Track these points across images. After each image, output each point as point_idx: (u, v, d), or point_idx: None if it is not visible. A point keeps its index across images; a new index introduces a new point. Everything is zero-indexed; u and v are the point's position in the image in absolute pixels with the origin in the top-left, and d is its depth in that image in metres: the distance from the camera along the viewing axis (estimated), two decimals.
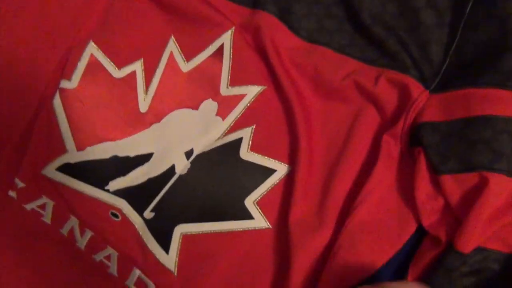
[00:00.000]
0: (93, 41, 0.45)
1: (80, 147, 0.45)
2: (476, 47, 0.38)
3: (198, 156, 0.45)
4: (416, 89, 0.39)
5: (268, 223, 0.43)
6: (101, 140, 0.45)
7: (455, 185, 0.36)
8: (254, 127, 0.44)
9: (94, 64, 0.45)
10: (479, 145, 0.36)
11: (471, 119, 0.36)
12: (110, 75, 0.46)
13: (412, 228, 0.39)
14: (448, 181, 0.37)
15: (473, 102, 0.36)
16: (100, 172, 0.45)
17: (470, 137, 0.36)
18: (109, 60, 0.45)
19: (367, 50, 0.43)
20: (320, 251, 0.40)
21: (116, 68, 0.45)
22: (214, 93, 0.45)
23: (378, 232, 0.40)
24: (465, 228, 0.35)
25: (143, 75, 0.46)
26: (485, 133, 0.35)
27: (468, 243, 0.35)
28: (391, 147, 0.40)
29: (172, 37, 0.46)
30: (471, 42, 0.38)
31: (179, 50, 0.46)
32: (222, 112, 0.45)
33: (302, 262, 0.40)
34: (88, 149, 0.45)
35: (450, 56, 0.39)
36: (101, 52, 0.45)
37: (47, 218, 0.46)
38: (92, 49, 0.45)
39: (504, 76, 0.36)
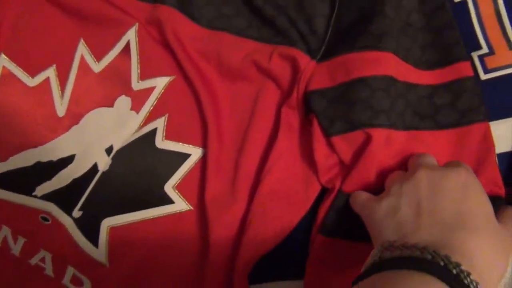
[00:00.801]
0: (4, 54, 0.47)
1: (2, 158, 0.46)
2: (352, 15, 0.41)
3: (117, 151, 0.46)
4: (304, 60, 0.42)
5: (189, 205, 0.45)
6: (23, 148, 0.46)
7: (344, 144, 0.39)
8: (167, 116, 0.46)
9: (7, 76, 0.47)
10: (358, 104, 0.38)
11: (351, 81, 0.39)
12: (24, 84, 0.47)
13: (317, 188, 0.42)
14: (338, 141, 0.39)
15: (351, 66, 0.39)
16: (25, 180, 0.46)
17: (351, 99, 0.39)
18: (21, 70, 0.47)
19: (263, 30, 0.45)
20: (236, 224, 0.42)
21: (30, 77, 0.47)
22: (127, 89, 0.47)
23: (287, 197, 0.42)
24: (352, 174, 0.38)
25: (57, 80, 0.47)
26: (363, 93, 0.38)
27: (351, 185, 0.38)
28: (290, 117, 0.42)
29: (81, 40, 0.47)
30: (347, 11, 0.41)
31: (89, 51, 0.47)
32: (136, 106, 0.47)
33: (219, 237, 0.41)
34: (11, 158, 0.47)
35: (332, 26, 0.42)
36: (13, 63, 0.47)
37: None
38: (3, 62, 0.47)
39: (375, 38, 0.39)
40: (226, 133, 0.44)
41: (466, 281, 0.29)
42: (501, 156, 0.41)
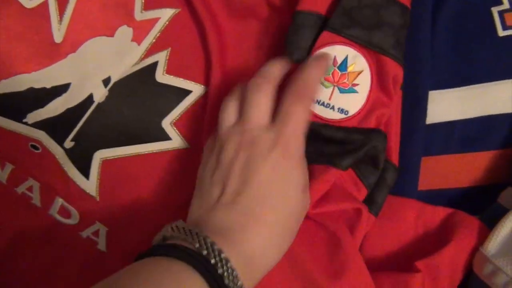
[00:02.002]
0: None
1: None
2: None
3: (115, 83, 0.44)
4: None
5: (187, 143, 0.43)
6: (16, 73, 0.44)
7: None
8: (169, 50, 0.44)
9: None
10: None
11: None
12: (21, 5, 0.44)
13: None
14: None
15: None
16: (17, 105, 0.44)
17: None
18: None
19: None
20: None
21: None
22: (129, 19, 0.45)
23: None
24: None
25: (56, 3, 0.45)
26: None
27: None
28: None
29: None
30: None
31: None
32: (137, 37, 0.45)
33: None
34: (3, 82, 0.44)
35: None
36: None
37: None
38: None
39: None
40: (230, 72, 0.43)
41: (221, 270, 0.28)
42: (508, 116, 0.40)
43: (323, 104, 0.38)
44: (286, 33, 0.40)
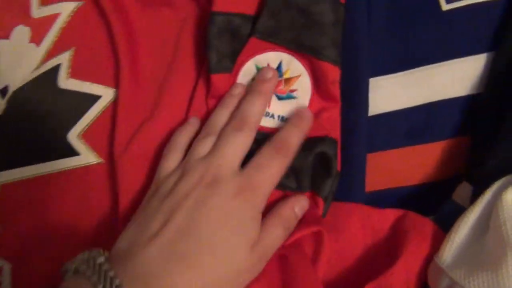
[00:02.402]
0: None
1: None
2: None
3: (14, 92, 0.38)
4: None
5: (99, 158, 0.37)
6: None
7: None
8: (73, 50, 0.38)
9: None
10: None
11: None
12: None
13: None
14: None
15: None
16: None
17: None
18: None
19: None
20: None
21: None
22: (25, 17, 0.39)
23: None
24: None
25: None
26: None
27: None
28: None
29: None
30: None
31: None
32: (36, 37, 0.39)
33: (130, 195, 0.34)
34: None
35: None
36: None
37: None
38: None
39: None
40: (143, 70, 0.37)
41: None
42: (457, 100, 0.35)
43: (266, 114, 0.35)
44: (205, 34, 0.35)
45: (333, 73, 0.34)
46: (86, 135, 0.37)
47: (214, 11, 0.34)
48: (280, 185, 0.33)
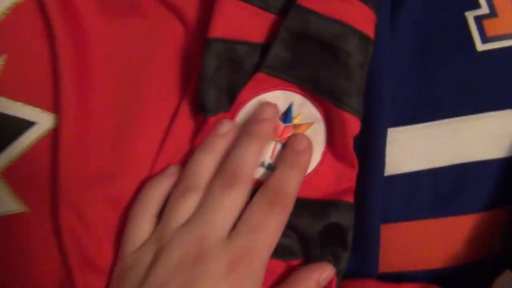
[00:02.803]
0: None
1: None
2: None
3: None
4: None
5: (25, 206, 0.27)
6: None
7: None
8: (4, 59, 0.29)
9: None
10: None
11: None
12: None
13: None
14: None
15: None
16: None
17: None
18: None
19: None
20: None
21: None
22: None
23: None
24: None
25: None
26: None
27: None
28: None
29: None
30: None
31: None
32: None
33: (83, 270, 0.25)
34: None
35: None
36: None
37: None
38: None
39: None
40: (97, 98, 0.28)
41: None
42: (492, 163, 0.28)
43: (263, 164, 0.28)
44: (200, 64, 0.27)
45: (353, 126, 0.27)
46: (9, 174, 0.28)
47: (212, 36, 0.26)
48: (285, 254, 0.26)
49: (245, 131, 0.27)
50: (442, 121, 0.29)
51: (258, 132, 0.26)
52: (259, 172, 0.28)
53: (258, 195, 0.26)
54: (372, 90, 0.28)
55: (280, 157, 0.27)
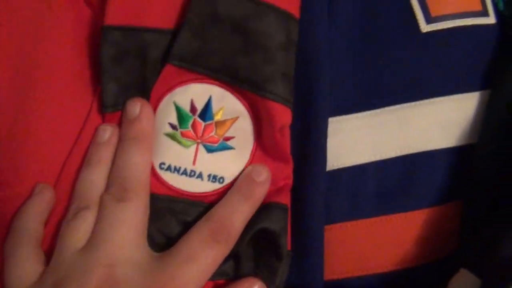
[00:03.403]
0: None
1: None
2: None
3: None
4: None
5: None
6: None
7: None
8: None
9: None
10: None
11: None
12: None
13: None
14: None
15: None
16: None
17: None
18: None
19: None
20: None
21: None
22: None
23: None
24: None
25: None
26: None
27: None
28: None
29: None
30: None
31: None
32: None
33: None
34: None
35: None
36: None
37: None
38: None
39: None
40: None
41: None
42: (442, 153, 0.25)
43: (185, 172, 0.25)
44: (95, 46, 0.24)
45: (282, 116, 0.24)
46: None
47: (109, 24, 0.23)
48: (215, 274, 0.23)
49: (122, 135, 0.24)
50: (386, 108, 0.26)
51: (136, 134, 0.23)
52: (182, 181, 0.25)
53: (201, 223, 0.23)
54: (309, 77, 0.25)
55: (234, 185, 0.25)
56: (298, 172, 0.25)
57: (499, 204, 0.24)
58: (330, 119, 0.26)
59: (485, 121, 0.26)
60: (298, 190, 0.25)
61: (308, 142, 0.25)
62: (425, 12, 0.27)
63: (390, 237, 0.26)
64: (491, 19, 0.27)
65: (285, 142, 0.24)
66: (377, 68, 0.26)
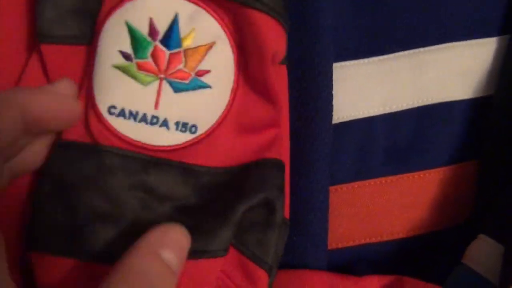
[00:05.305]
0: None
1: None
2: None
3: None
4: None
5: None
6: None
7: None
8: None
9: None
10: None
11: None
12: None
13: None
14: None
15: None
16: None
17: None
18: None
19: None
20: None
21: None
22: None
23: None
24: None
25: None
26: None
27: None
28: None
29: None
30: None
31: None
32: None
33: None
34: None
35: None
36: None
37: None
38: None
39: None
40: None
41: None
42: (458, 105, 0.22)
43: (144, 119, 0.19)
44: None
45: (271, 33, 0.18)
46: None
47: None
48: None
49: None
50: (398, 53, 0.23)
51: None
52: (139, 130, 0.19)
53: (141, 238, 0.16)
54: (306, 12, 0.21)
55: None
56: (299, 126, 0.21)
57: None
58: (335, 65, 0.22)
59: (502, 69, 0.23)
60: (299, 147, 0.21)
61: (311, 91, 0.21)
62: None
63: (401, 200, 0.23)
64: None
65: (274, 77, 0.19)
66: (386, 9, 0.23)
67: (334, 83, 0.21)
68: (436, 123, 0.23)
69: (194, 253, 0.17)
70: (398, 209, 0.23)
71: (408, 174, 0.23)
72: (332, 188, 0.22)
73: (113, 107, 0.19)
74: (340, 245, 0.23)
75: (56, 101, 0.18)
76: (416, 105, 0.23)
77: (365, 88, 0.22)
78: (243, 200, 0.19)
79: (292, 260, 0.21)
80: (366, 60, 0.23)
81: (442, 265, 0.22)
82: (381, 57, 0.23)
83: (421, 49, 0.23)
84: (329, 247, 0.22)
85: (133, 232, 0.17)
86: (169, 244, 0.16)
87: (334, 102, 0.21)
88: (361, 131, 0.22)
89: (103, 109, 0.19)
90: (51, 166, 0.19)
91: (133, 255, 0.16)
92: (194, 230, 0.17)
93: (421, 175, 0.23)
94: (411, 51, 0.23)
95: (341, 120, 0.22)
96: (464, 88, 0.23)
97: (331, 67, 0.21)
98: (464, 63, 0.23)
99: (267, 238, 0.19)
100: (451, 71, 0.23)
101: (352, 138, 0.22)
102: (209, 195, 0.19)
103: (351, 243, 0.23)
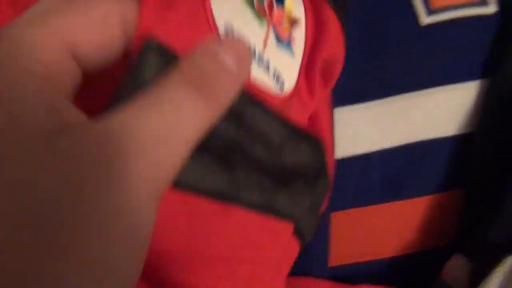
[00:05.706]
0: None
1: None
2: None
3: None
4: None
5: None
6: None
7: None
8: None
9: None
10: None
11: None
12: None
13: None
14: None
15: None
16: None
17: None
18: None
19: None
20: None
21: None
22: None
23: None
24: None
25: None
26: None
27: None
28: None
29: None
30: None
31: None
32: None
33: None
34: None
35: None
36: None
37: None
38: None
39: None
40: None
41: None
42: (444, 141, 0.26)
43: (254, 54, 0.18)
44: None
45: (333, 34, 0.20)
46: None
47: None
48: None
49: None
50: (391, 98, 0.27)
51: None
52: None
53: (177, 73, 0.14)
54: None
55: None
56: None
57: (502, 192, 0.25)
58: (334, 109, 0.26)
59: (483, 109, 0.26)
60: None
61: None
62: (425, 4, 0.27)
63: (393, 223, 0.26)
64: (491, 8, 0.27)
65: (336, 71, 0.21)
66: (378, 61, 0.27)
67: (334, 125, 0.26)
68: (424, 157, 0.27)
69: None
70: (391, 231, 0.27)
71: (400, 201, 0.27)
72: (332, 214, 0.26)
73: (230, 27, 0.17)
74: (339, 263, 0.27)
75: None
76: (406, 142, 0.27)
77: (360, 129, 0.27)
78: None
79: (295, 273, 0.25)
80: (360, 105, 0.27)
81: (427, 279, 0.25)
82: (373, 102, 0.27)
83: (407, 94, 0.27)
84: (330, 265, 0.26)
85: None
86: (228, 50, 0.14)
87: (335, 141, 0.26)
88: (358, 165, 0.26)
89: (221, 26, 0.17)
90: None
91: (190, 55, 0.14)
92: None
93: (411, 202, 0.27)
94: (400, 96, 0.27)
95: (340, 156, 0.26)
96: (449, 125, 0.27)
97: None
98: (449, 104, 0.27)
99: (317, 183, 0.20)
100: (438, 111, 0.27)
101: (351, 171, 0.26)
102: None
103: (349, 261, 0.27)
